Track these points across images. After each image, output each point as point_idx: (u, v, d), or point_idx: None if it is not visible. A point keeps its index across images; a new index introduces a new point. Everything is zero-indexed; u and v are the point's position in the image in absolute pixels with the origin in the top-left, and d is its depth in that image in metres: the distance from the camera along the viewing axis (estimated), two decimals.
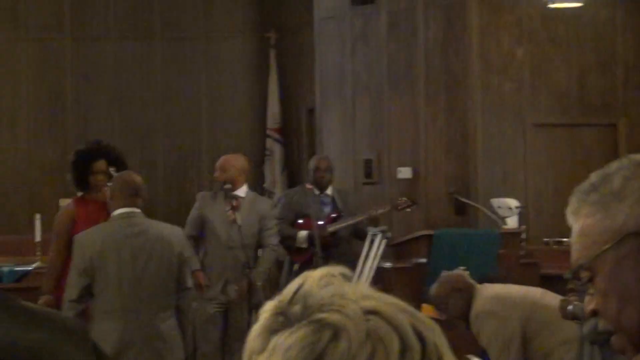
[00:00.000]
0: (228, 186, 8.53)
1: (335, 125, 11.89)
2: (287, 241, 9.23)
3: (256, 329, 1.21)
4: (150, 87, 13.95)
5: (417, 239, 9.06)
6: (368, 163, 11.34)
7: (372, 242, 8.63)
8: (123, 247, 6.44)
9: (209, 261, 8.54)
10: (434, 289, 6.84)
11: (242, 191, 8.72)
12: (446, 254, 8.72)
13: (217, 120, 14.06)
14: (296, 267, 9.22)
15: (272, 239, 8.76)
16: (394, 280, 8.87)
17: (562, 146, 10.65)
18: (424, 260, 8.81)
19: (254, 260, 8.44)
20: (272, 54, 13.74)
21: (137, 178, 6.76)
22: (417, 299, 8.86)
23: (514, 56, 10.54)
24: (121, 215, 6.51)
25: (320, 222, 8.98)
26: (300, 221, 9.20)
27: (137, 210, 6.57)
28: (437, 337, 1.19)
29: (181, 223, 8.76)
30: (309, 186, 9.19)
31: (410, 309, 1.20)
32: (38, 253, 9.93)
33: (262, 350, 1.17)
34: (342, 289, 1.20)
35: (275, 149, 13.58)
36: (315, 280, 1.21)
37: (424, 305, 8.66)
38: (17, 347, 2.16)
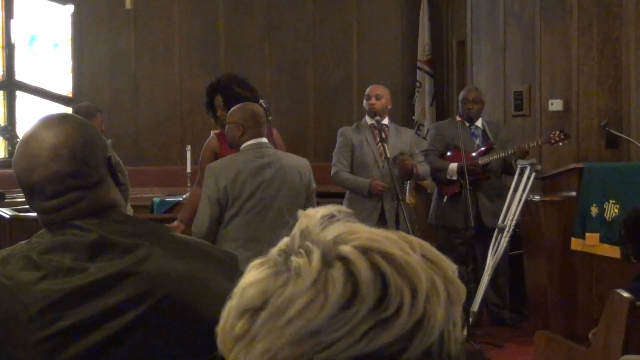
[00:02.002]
0: (378, 117, 8.57)
1: (486, 57, 11.85)
2: (436, 173, 9.24)
3: (250, 280, 1.19)
4: (301, 19, 14.02)
5: (567, 172, 8.99)
6: (518, 95, 11.26)
7: (521, 174, 8.66)
8: (255, 177, 6.50)
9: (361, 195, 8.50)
10: None
11: (386, 121, 8.74)
12: (597, 188, 8.65)
13: (368, 52, 14.08)
14: (445, 199, 9.28)
15: (423, 166, 8.75)
16: (543, 213, 8.84)
17: None
18: (573, 193, 8.77)
19: (402, 192, 8.41)
20: None
21: (256, 108, 6.73)
22: (566, 232, 8.90)
23: None
24: (252, 146, 6.56)
25: (471, 154, 9.03)
26: (450, 153, 9.20)
27: (265, 140, 6.61)
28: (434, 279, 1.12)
29: (329, 156, 8.92)
30: (458, 118, 9.19)
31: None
32: (188, 184, 10.04)
33: (262, 306, 1.13)
34: (342, 226, 1.16)
35: (425, 81, 13.58)
36: (314, 219, 1.19)
37: (573, 240, 8.73)
38: (172, 276, 2.30)
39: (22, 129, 13.57)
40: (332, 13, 14.00)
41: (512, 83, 11.39)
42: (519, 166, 8.70)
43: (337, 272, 1.09)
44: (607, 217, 8.45)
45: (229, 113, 6.80)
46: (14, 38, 13.76)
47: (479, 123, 9.32)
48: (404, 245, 1.13)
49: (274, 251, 1.18)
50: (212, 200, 6.50)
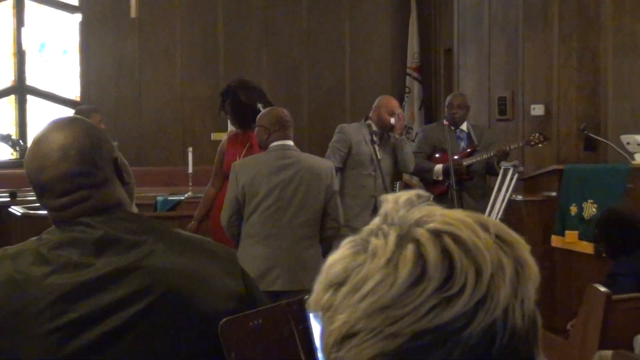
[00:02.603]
0: (369, 122, 8.54)
1: (472, 64, 11.87)
2: (423, 174, 9.24)
3: (336, 257, 1.20)
4: (297, 28, 14.04)
5: (547, 173, 9.01)
6: (502, 100, 11.28)
7: (504, 175, 8.66)
8: (273, 176, 6.49)
9: (356, 192, 8.46)
10: None
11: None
12: (576, 188, 8.67)
13: (360, 59, 14.10)
14: (432, 199, 9.27)
15: (410, 163, 8.71)
16: (525, 212, 8.87)
17: None
18: (554, 193, 8.79)
19: (393, 191, 8.38)
20: None
21: (283, 111, 6.77)
22: (547, 229, 8.92)
23: None
24: (276, 147, 6.57)
25: (456, 156, 9.03)
26: (437, 155, 9.18)
27: (290, 142, 6.61)
28: (516, 257, 1.15)
29: (323, 156, 8.92)
30: (445, 122, 9.19)
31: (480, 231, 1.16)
32: (190, 184, 10.02)
33: (343, 282, 1.16)
34: (421, 210, 1.19)
35: (414, 87, 13.63)
36: (395, 204, 1.21)
37: (554, 237, 8.75)
38: (173, 271, 2.30)
39: (33, 131, 13.57)
40: (325, 22, 14.02)
41: (496, 89, 11.41)
42: (502, 167, 8.69)
43: (408, 254, 1.12)
44: (585, 216, 8.49)
45: (258, 117, 6.83)
46: (24, 45, 13.76)
47: (464, 127, 9.32)
48: (476, 228, 1.16)
49: (362, 231, 1.21)
50: (232, 197, 6.54)
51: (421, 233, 1.14)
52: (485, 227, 1.17)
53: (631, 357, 5.53)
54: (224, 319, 1.78)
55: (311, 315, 1.68)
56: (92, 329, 2.23)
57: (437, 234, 1.14)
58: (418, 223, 1.16)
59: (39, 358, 2.24)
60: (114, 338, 2.24)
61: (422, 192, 1.25)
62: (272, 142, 6.60)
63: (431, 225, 1.15)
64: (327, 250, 6.62)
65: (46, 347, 2.23)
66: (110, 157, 2.44)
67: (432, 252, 1.12)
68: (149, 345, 2.25)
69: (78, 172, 2.36)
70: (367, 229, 1.21)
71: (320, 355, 1.43)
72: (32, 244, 2.37)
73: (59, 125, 2.44)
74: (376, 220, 1.21)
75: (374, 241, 1.16)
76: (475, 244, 1.13)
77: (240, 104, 7.65)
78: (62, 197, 2.37)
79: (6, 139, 8.56)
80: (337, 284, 1.17)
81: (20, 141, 8.66)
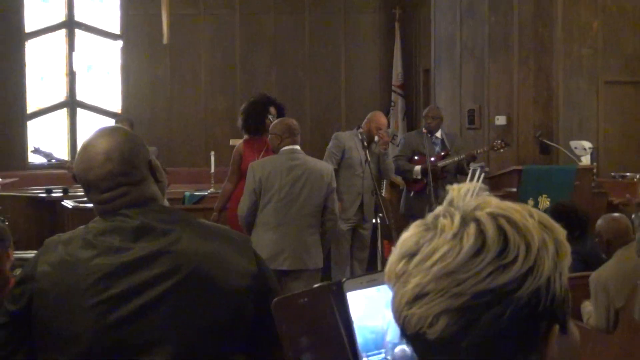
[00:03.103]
0: (361, 130, 8.54)
1: (446, 82, 11.87)
2: (405, 174, 9.13)
3: (409, 234, 1.23)
4: (301, 53, 14.04)
5: (509, 173, 9.01)
6: (471, 112, 11.26)
7: (472, 175, 8.66)
8: (284, 174, 6.50)
9: (348, 189, 8.41)
10: None
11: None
12: (532, 185, 8.68)
13: (353, 78, 14.09)
14: (412, 194, 9.27)
15: (391, 172, 8.78)
16: None
17: (628, 100, 10.46)
18: (514, 189, 8.79)
19: (380, 188, 8.35)
20: (397, 25, 13.74)
21: (295, 122, 6.77)
22: None
23: (591, 27, 10.36)
24: (286, 151, 6.58)
25: (432, 159, 9.02)
26: (416, 158, 9.14)
27: (298, 147, 6.63)
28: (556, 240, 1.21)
29: (322, 159, 8.90)
30: (424, 130, 9.19)
31: (535, 215, 1.22)
32: (212, 182, 10.01)
33: (416, 252, 1.20)
34: (479, 198, 1.23)
35: (398, 101, 13.63)
36: (459, 192, 1.25)
37: None
38: (198, 254, 2.30)
39: (82, 138, 13.58)
40: (324, 48, 14.02)
41: (466, 103, 11.42)
42: (471, 168, 8.70)
43: (471, 230, 1.18)
44: (540, 208, 8.47)
45: (271, 126, 6.85)
46: (75, 67, 13.76)
47: (438, 134, 9.28)
48: (524, 214, 1.21)
49: (430, 215, 1.25)
50: (250, 190, 6.54)
51: (481, 214, 1.19)
52: (530, 214, 1.22)
53: (580, 325, 5.54)
54: (276, 298, 1.79)
55: (348, 295, 1.71)
56: (130, 302, 2.23)
57: (493, 216, 1.19)
58: (477, 207, 1.21)
59: (86, 328, 2.24)
60: (148, 310, 2.24)
61: (480, 184, 1.29)
62: (283, 146, 6.62)
63: (488, 210, 1.20)
64: (322, 237, 6.70)
65: (92, 318, 2.23)
66: (145, 159, 2.43)
67: (490, 229, 1.17)
68: (178, 316, 2.25)
69: (119, 172, 2.36)
70: (434, 212, 1.25)
71: (366, 324, 1.62)
72: (80, 231, 2.37)
73: (104, 132, 2.44)
74: (442, 206, 1.25)
75: (441, 221, 1.21)
76: (525, 225, 1.19)
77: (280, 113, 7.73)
78: (105, 192, 2.36)
79: (38, 151, 8.48)
80: (410, 255, 1.21)
81: (52, 153, 8.57)
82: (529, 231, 1.18)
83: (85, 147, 2.41)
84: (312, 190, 6.56)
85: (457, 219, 1.20)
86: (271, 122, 7.40)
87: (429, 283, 1.17)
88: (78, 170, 2.41)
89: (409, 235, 1.23)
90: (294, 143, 6.64)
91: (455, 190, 1.26)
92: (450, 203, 1.24)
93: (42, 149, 8.42)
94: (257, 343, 2.32)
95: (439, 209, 1.25)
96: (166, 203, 2.63)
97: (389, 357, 1.70)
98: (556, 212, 6.61)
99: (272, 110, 7.77)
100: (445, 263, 1.16)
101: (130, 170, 2.37)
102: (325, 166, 6.82)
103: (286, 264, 6.41)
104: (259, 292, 2.33)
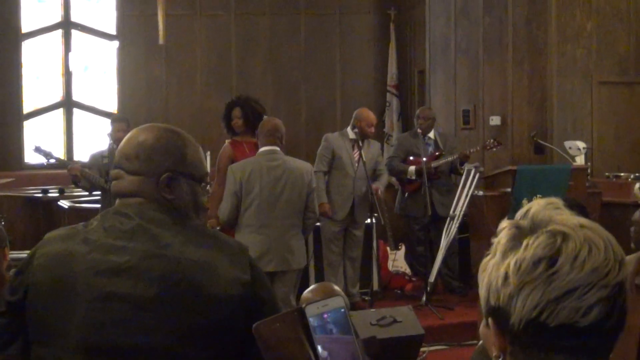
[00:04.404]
0: (356, 130, 8.55)
1: (440, 83, 11.87)
2: (399, 174, 9.21)
3: (502, 238, 1.40)
4: (296, 53, 14.04)
5: (504, 172, 9.00)
6: (466, 113, 11.26)
7: (467, 175, 8.66)
8: (265, 175, 6.50)
9: (338, 190, 8.48)
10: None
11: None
12: (527, 185, 8.67)
13: (348, 79, 14.09)
14: (406, 195, 9.28)
15: (385, 174, 8.81)
16: (485, 205, 8.85)
17: (621, 100, 10.47)
18: (509, 189, 8.78)
19: (370, 189, 8.34)
20: (392, 26, 13.75)
21: (276, 122, 6.75)
22: (503, 219, 8.90)
23: (585, 28, 10.36)
24: (265, 152, 6.60)
25: (426, 159, 9.03)
26: (411, 158, 9.15)
27: (277, 148, 6.62)
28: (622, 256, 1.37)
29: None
30: (418, 130, 9.20)
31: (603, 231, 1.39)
32: (208, 181, 10.05)
33: (555, 256, 1.34)
34: (558, 211, 1.40)
35: (393, 102, 13.62)
36: (540, 206, 1.41)
37: None
38: (186, 261, 2.26)
39: (78, 138, 13.59)
40: (319, 49, 14.02)
41: (461, 103, 11.41)
42: (466, 168, 8.70)
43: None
44: None
45: (259, 126, 6.85)
46: (71, 67, 13.75)
47: (431, 135, 9.29)
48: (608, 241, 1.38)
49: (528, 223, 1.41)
50: (232, 192, 6.54)
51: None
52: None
53: None
54: (257, 322, 1.96)
55: (310, 318, 1.91)
56: (118, 303, 2.23)
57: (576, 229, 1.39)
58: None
59: (75, 323, 2.24)
60: (135, 313, 2.23)
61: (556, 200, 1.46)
62: (261, 147, 6.67)
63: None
64: (304, 236, 6.79)
65: (81, 314, 2.23)
66: (163, 162, 2.39)
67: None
68: (165, 321, 2.23)
69: (125, 155, 2.40)
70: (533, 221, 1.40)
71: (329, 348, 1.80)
72: (79, 227, 2.38)
73: (156, 125, 2.51)
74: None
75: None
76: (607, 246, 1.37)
77: (258, 112, 7.73)
78: (129, 174, 2.40)
79: (38, 150, 8.45)
80: (547, 259, 1.35)
81: (52, 152, 8.54)
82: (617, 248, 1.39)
83: (131, 137, 2.45)
84: (293, 190, 6.58)
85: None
86: (238, 124, 7.54)
87: (578, 279, 1.32)
88: (119, 150, 2.45)
89: (537, 242, 1.35)
90: (273, 143, 6.62)
91: (536, 205, 1.43)
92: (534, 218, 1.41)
93: (42, 147, 8.41)
94: (247, 352, 2.27)
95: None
96: None
97: None
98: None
99: (237, 112, 7.77)
100: (593, 260, 1.33)
101: (134, 159, 2.38)
102: (305, 166, 6.80)
103: (271, 266, 6.41)
104: (252, 301, 2.30)
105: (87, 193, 8.67)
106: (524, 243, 1.36)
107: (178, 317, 2.24)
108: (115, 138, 8.19)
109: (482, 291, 1.45)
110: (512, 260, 1.36)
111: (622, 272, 1.35)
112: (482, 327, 1.49)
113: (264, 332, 1.95)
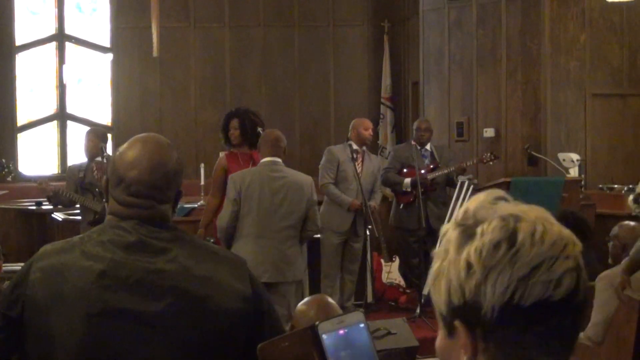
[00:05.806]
0: (350, 142, 8.56)
1: (434, 95, 11.89)
2: (394, 186, 9.18)
3: (451, 237, 1.39)
4: (290, 65, 14.04)
5: (497, 184, 9.01)
6: (460, 125, 11.29)
7: (461, 187, 8.67)
8: (265, 186, 6.49)
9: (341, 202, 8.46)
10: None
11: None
12: (521, 197, 8.65)
13: (342, 91, 14.09)
14: (401, 206, 9.28)
15: (379, 192, 8.85)
16: None
17: (614, 112, 10.51)
18: None
19: (366, 202, 8.36)
20: (386, 38, 13.75)
21: (279, 134, 6.74)
22: None
23: (578, 40, 10.40)
24: (266, 162, 6.60)
25: (422, 171, 9.03)
26: (405, 170, 9.17)
27: (279, 159, 6.62)
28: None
29: (312, 171, 8.92)
30: (413, 142, 9.20)
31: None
32: (202, 194, 10.09)
33: (513, 237, 1.33)
34: (497, 204, 1.41)
35: (387, 113, 13.61)
36: (478, 202, 1.41)
37: None
38: (189, 276, 2.29)
39: (72, 150, 13.57)
40: (313, 60, 14.03)
41: (454, 115, 11.44)
42: (459, 180, 8.70)
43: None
44: None
45: (260, 138, 6.85)
46: (65, 79, 13.74)
47: (428, 146, 9.31)
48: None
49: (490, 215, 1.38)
50: (231, 200, 6.53)
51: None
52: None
53: None
54: (260, 344, 1.88)
55: (323, 336, 1.77)
56: (118, 318, 2.22)
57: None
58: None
59: (73, 339, 2.22)
60: (136, 328, 2.22)
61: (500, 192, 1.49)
62: (263, 157, 6.67)
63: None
64: (302, 248, 6.73)
65: (80, 330, 2.22)
66: (178, 185, 2.45)
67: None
68: (167, 336, 2.23)
69: (156, 186, 2.36)
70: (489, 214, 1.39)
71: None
72: (76, 241, 2.36)
73: (161, 142, 2.46)
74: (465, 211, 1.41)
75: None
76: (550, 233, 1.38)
77: (255, 123, 7.71)
78: (132, 196, 2.36)
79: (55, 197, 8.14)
80: (505, 241, 1.34)
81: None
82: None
83: (135, 143, 2.41)
84: (292, 202, 6.55)
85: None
86: (235, 135, 7.52)
87: (541, 254, 1.31)
88: (118, 161, 2.40)
89: (492, 227, 1.34)
90: (275, 155, 6.62)
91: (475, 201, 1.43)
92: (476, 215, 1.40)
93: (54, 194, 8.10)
94: None
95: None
96: None
97: None
98: (563, 219, 6.58)
99: (234, 123, 7.76)
100: (550, 234, 1.34)
101: (166, 189, 2.38)
102: (306, 178, 6.76)
103: (266, 277, 6.35)
104: (253, 314, 2.32)
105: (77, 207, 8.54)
106: (478, 231, 1.34)
107: (182, 331, 2.24)
108: (88, 150, 8.09)
109: (439, 298, 1.40)
110: (471, 249, 1.34)
111: (577, 244, 1.36)
112: (439, 341, 1.47)
113: (270, 352, 1.89)
